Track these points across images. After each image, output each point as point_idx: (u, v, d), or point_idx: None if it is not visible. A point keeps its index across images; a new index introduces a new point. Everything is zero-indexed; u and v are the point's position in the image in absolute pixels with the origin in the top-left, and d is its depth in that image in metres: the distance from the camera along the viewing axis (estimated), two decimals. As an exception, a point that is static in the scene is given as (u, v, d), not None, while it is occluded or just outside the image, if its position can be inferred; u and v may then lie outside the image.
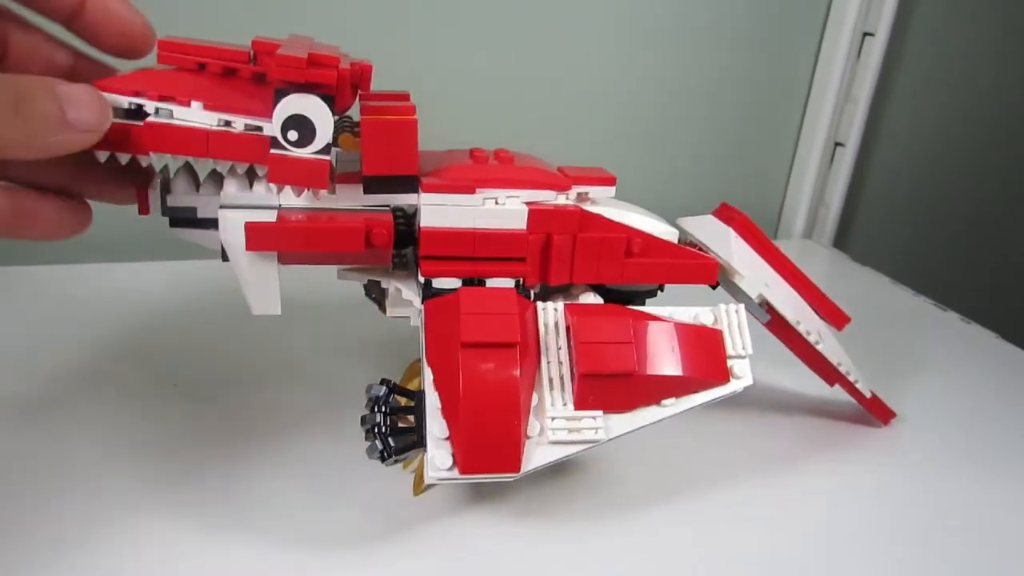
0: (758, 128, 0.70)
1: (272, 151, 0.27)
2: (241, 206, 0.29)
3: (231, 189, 0.29)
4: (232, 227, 0.28)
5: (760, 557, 0.31)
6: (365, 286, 0.38)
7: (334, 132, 0.27)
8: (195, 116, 0.27)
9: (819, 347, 0.36)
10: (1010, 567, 0.31)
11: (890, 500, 0.35)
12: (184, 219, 0.29)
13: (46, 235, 0.28)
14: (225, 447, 0.35)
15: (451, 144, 0.34)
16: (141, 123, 0.27)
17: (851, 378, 0.38)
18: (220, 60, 0.27)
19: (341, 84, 0.26)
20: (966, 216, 0.81)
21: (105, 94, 0.26)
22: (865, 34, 0.66)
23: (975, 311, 0.56)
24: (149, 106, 0.27)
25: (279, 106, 0.26)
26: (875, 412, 0.40)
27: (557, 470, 0.34)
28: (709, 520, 0.32)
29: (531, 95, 0.63)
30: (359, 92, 0.29)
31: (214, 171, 0.30)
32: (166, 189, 0.29)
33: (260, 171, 0.29)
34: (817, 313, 0.37)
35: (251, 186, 0.29)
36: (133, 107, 0.27)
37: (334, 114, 0.26)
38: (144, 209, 0.29)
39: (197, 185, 0.29)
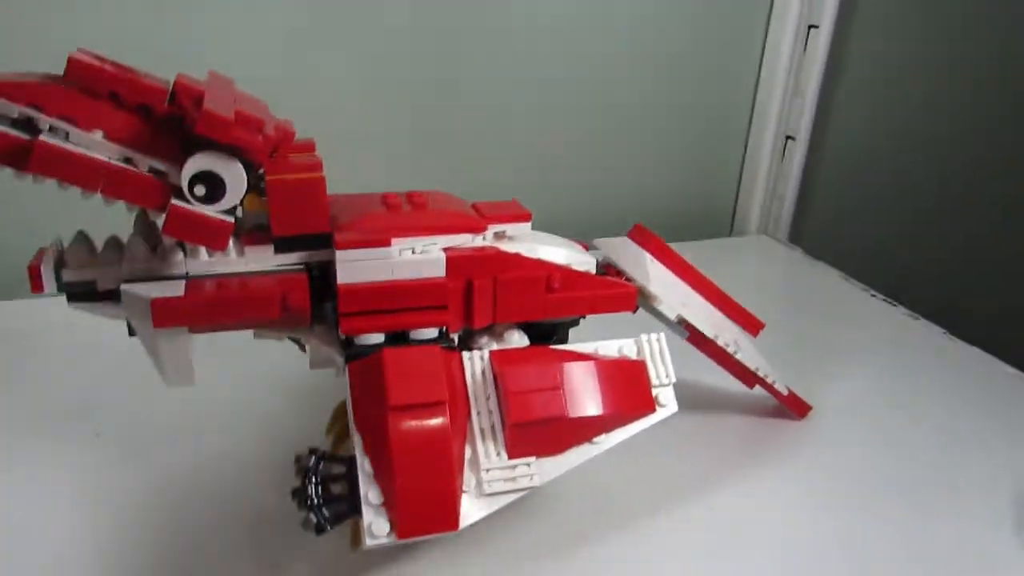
0: (709, 125, 0.71)
1: (174, 201, 0.26)
2: (145, 278, 0.27)
3: (132, 260, 0.27)
4: (137, 304, 0.26)
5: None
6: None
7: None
8: (93, 144, 0.25)
9: (737, 356, 0.37)
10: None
11: (814, 506, 0.36)
12: (82, 293, 0.28)
13: None
14: (160, 502, 0.34)
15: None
16: (32, 138, 0.24)
17: (769, 380, 0.39)
18: (135, 93, 0.25)
19: (264, 149, 0.25)
20: (919, 208, 0.81)
21: None
22: (810, 26, 0.67)
23: (926, 303, 0.58)
24: (43, 122, 0.24)
25: (193, 159, 0.25)
26: (792, 407, 0.42)
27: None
28: (650, 540, 0.33)
29: (482, 102, 0.62)
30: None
31: (112, 239, 0.28)
32: (60, 263, 0.27)
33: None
34: (733, 322, 0.38)
35: (155, 250, 0.28)
36: (23, 118, 0.24)
37: (249, 178, 0.25)
38: (37, 286, 0.27)
39: (94, 255, 0.28)
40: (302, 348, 0.36)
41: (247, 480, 0.35)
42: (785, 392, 0.41)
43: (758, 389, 0.41)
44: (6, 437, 0.37)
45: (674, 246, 0.36)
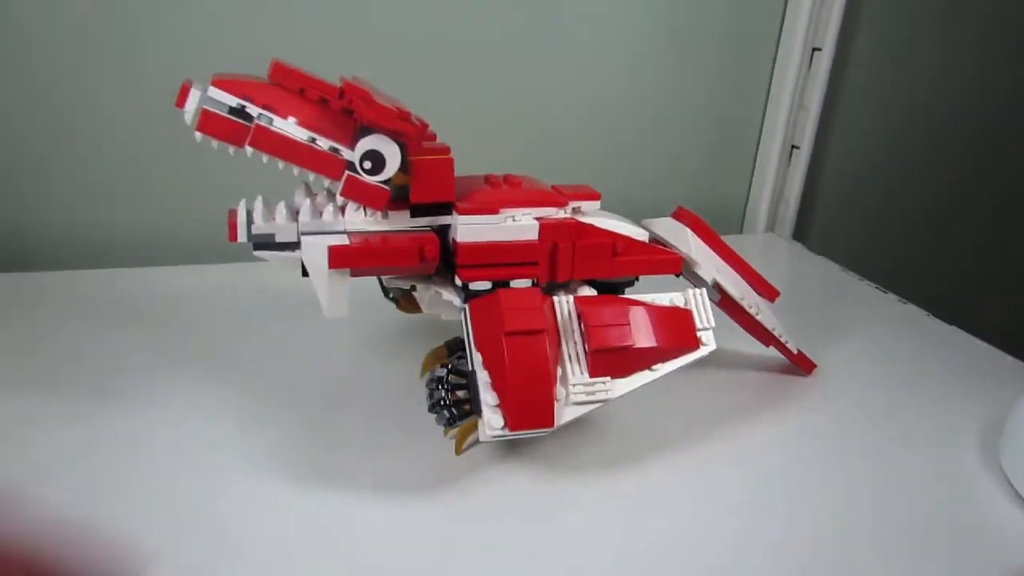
0: (724, 135, 0.80)
1: (348, 173, 0.34)
2: (316, 232, 0.36)
3: (306, 218, 0.36)
4: (316, 250, 0.35)
5: (725, 498, 0.39)
6: (383, 288, 0.46)
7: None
8: (290, 128, 0.33)
9: (758, 317, 0.46)
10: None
11: (818, 443, 0.44)
12: (265, 244, 0.36)
13: None
14: (303, 424, 0.42)
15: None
16: (249, 124, 0.33)
17: (783, 339, 0.48)
18: (317, 90, 0.33)
19: (415, 137, 0.33)
20: (909, 209, 0.92)
21: (216, 90, 0.32)
22: (814, 49, 0.76)
23: (914, 292, 0.66)
24: (252, 110, 0.33)
25: (364, 140, 0.33)
26: (800, 364, 0.50)
27: (569, 430, 0.42)
28: (685, 466, 0.41)
29: (526, 116, 0.72)
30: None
31: (285, 203, 0.37)
32: (250, 220, 0.36)
33: (323, 201, 0.36)
34: (754, 290, 0.47)
35: (321, 215, 0.36)
36: (239, 107, 0.33)
37: (403, 157, 0.34)
38: (233, 236, 0.36)
39: (273, 215, 0.36)
40: (396, 303, 0.44)
41: (361, 401, 0.44)
42: (795, 351, 0.49)
43: (771, 350, 0.49)
44: (163, 371, 0.46)
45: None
